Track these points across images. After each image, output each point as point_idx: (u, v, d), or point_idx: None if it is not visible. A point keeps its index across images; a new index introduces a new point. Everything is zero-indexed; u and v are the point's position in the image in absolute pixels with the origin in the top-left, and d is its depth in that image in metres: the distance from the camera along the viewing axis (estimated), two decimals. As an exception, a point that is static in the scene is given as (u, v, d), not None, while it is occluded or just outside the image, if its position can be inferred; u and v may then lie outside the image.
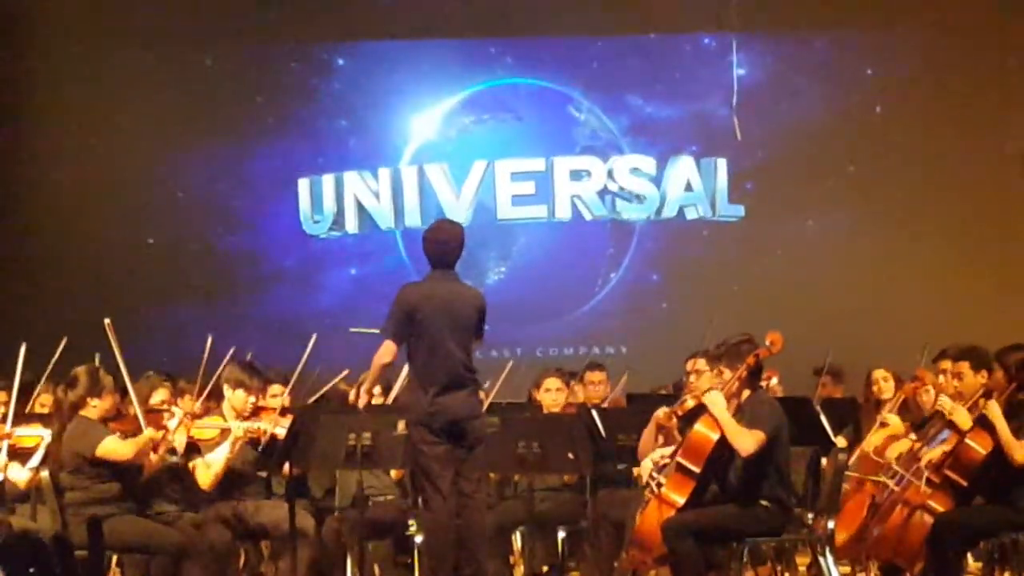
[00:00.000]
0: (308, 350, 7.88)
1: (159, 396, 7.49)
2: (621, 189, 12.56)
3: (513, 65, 12.66)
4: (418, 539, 7.66)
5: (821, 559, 6.95)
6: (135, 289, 11.99)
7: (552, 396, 8.30)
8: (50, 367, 8.19)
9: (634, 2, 12.44)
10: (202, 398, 7.62)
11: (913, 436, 7.36)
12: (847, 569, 7.81)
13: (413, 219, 12.49)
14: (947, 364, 7.21)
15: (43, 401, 8.08)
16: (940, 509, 6.81)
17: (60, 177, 12.35)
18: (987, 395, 6.89)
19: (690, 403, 7.06)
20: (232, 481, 7.41)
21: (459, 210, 12.27)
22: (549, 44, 12.65)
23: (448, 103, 12.67)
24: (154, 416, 7.10)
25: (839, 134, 12.41)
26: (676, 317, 12.04)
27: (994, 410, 6.73)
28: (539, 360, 11.30)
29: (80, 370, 7.10)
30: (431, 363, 6.94)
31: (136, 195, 12.42)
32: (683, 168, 12.53)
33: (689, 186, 12.52)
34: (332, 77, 12.72)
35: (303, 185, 12.60)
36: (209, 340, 7.81)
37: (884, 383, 8.56)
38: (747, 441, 6.61)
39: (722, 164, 12.52)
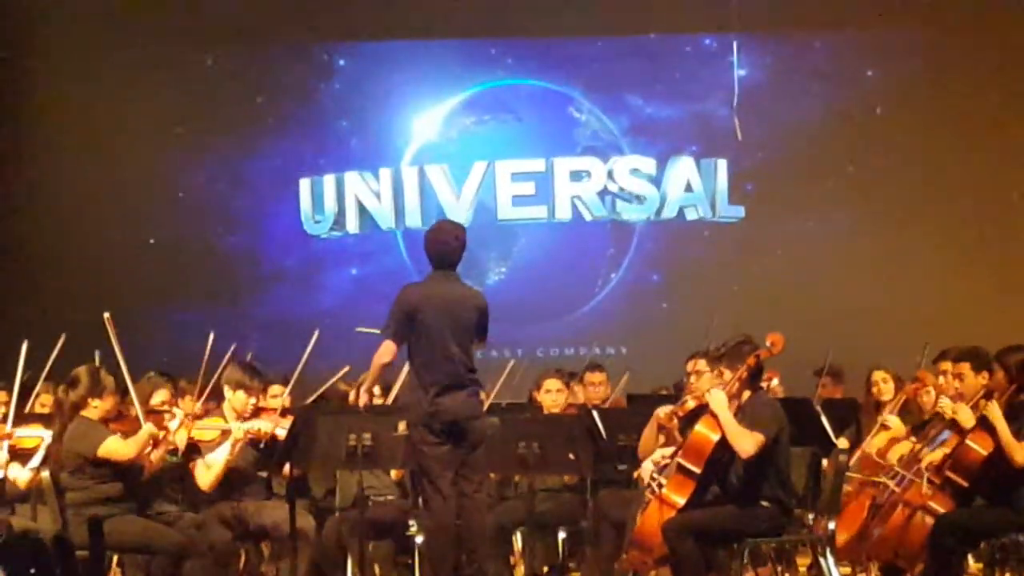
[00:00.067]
0: (310, 347, 7.88)
1: (160, 397, 7.48)
2: (621, 190, 12.56)
3: (514, 66, 12.67)
4: (418, 540, 7.67)
5: (822, 560, 6.95)
6: (135, 289, 11.98)
7: (552, 397, 8.30)
8: (48, 366, 8.19)
9: (634, 2, 12.43)
10: (203, 399, 7.62)
11: (913, 438, 7.37)
12: (847, 570, 7.80)
13: (414, 219, 12.50)
14: (947, 365, 7.21)
15: (43, 401, 8.09)
16: (941, 510, 6.82)
17: (60, 177, 12.35)
18: (988, 396, 6.89)
19: (691, 404, 7.07)
20: (233, 482, 7.41)
21: (459, 210, 12.27)
22: (550, 45, 12.65)
23: (449, 104, 12.67)
24: (155, 417, 7.10)
25: (839, 135, 12.41)
26: (676, 318, 12.03)
27: (994, 411, 6.72)
28: (539, 360, 11.30)
29: (81, 370, 7.09)
30: (431, 364, 6.94)
31: (136, 195, 12.42)
32: (683, 169, 12.53)
33: (689, 187, 12.52)
34: (333, 77, 12.73)
35: (304, 185, 12.61)
36: (211, 337, 7.82)
37: (883, 384, 8.55)
38: (747, 443, 6.61)
39: (722, 165, 12.52)
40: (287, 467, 7.35)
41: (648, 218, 12.59)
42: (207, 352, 7.70)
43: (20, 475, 7.20)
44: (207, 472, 7.36)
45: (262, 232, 12.67)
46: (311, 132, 12.67)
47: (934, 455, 6.92)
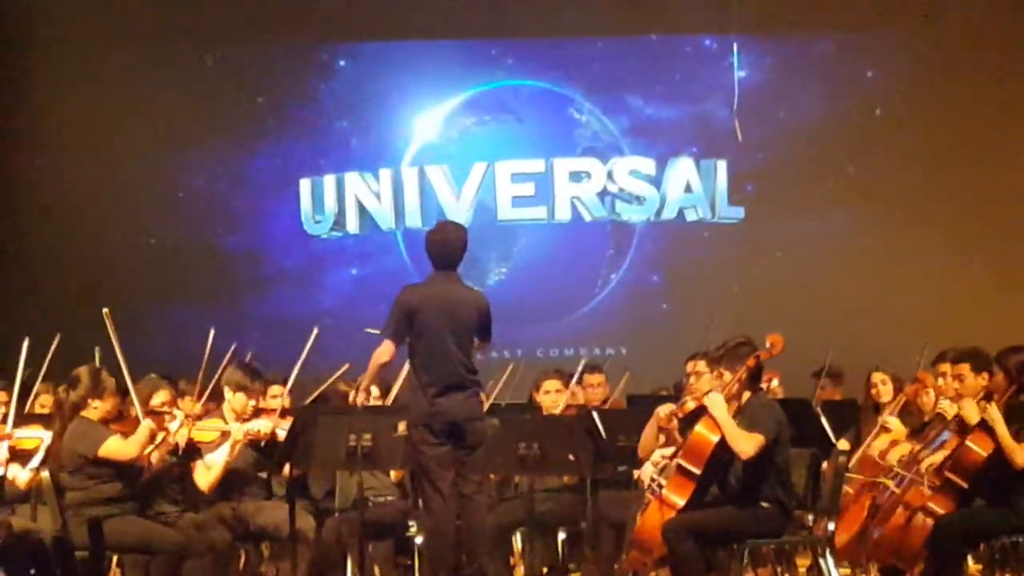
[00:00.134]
0: (308, 346, 7.87)
1: (160, 398, 7.48)
2: (621, 190, 12.55)
3: (514, 66, 12.66)
4: (418, 540, 7.68)
5: (821, 561, 6.95)
6: (136, 289, 11.98)
7: (552, 398, 8.29)
8: (46, 365, 8.19)
9: (634, 3, 12.43)
10: (203, 399, 7.62)
11: (913, 440, 7.37)
12: (847, 571, 7.80)
13: (414, 220, 12.50)
14: (947, 366, 7.22)
15: (43, 402, 8.09)
16: (940, 511, 6.82)
17: (60, 177, 12.35)
18: (987, 397, 6.89)
19: (691, 405, 7.07)
20: (232, 482, 7.42)
21: (459, 211, 12.27)
22: (550, 45, 12.65)
23: (449, 104, 12.67)
24: (155, 418, 7.09)
25: (839, 136, 12.40)
26: (676, 318, 12.04)
27: (994, 413, 6.72)
28: (539, 361, 11.31)
29: (82, 370, 7.09)
30: (431, 364, 6.95)
31: (136, 195, 12.43)
32: (683, 169, 12.53)
33: (689, 187, 12.52)
34: (333, 78, 12.72)
35: (304, 185, 12.60)
36: (211, 334, 7.81)
37: (883, 386, 8.54)
38: (746, 444, 6.61)
39: (722, 166, 12.51)
40: (287, 468, 7.34)
41: (648, 219, 12.59)
42: (207, 351, 7.69)
43: (20, 475, 7.20)
44: (207, 473, 7.36)
45: (262, 232, 12.66)
46: (311, 132, 12.67)
47: (934, 456, 6.92)
